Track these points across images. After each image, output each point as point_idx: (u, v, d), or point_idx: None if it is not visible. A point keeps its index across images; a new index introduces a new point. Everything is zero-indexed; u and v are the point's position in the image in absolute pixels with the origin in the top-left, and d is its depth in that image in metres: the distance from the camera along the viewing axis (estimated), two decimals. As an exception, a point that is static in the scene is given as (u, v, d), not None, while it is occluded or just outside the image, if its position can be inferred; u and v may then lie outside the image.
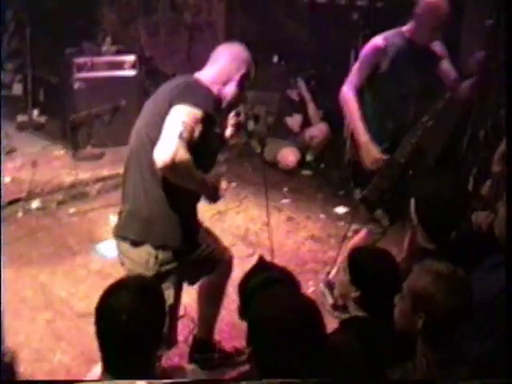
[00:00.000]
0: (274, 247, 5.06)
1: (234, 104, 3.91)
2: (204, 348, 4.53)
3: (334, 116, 5.42)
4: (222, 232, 5.71)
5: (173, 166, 3.34)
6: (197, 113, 3.46)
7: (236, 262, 4.48)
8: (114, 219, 5.54)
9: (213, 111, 3.58)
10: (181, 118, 3.41)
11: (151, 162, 3.46)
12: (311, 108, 8.22)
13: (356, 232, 5.47)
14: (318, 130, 8.08)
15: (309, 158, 8.11)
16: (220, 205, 4.61)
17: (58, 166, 7.49)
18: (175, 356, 4.51)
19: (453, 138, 6.84)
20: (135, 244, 3.70)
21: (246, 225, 6.67)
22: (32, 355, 4.64)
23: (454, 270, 2.91)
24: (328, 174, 7.82)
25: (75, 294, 5.37)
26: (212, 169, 3.82)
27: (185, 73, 3.96)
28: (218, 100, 3.72)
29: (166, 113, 3.47)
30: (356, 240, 5.28)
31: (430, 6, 4.59)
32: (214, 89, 3.71)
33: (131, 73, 8.07)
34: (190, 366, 4.38)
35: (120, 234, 3.82)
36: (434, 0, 4.59)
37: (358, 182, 5.09)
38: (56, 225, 6.50)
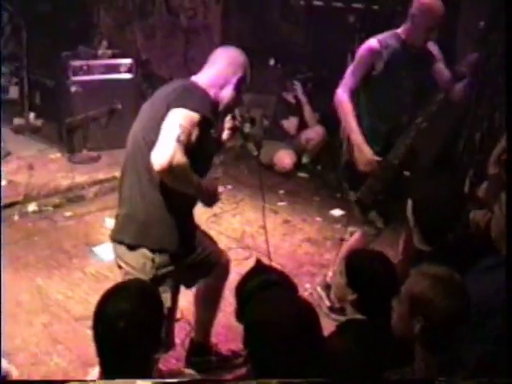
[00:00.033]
0: (271, 250, 5.07)
1: (230, 107, 3.92)
2: (201, 351, 4.53)
3: (331, 118, 5.43)
4: (218, 235, 5.73)
5: (170, 170, 3.35)
6: (194, 116, 3.47)
7: (232, 265, 4.48)
8: (110, 222, 5.55)
9: (210, 115, 3.58)
10: (178, 122, 3.41)
11: (148, 166, 3.47)
12: (307, 111, 8.22)
13: (352, 234, 5.47)
14: (315, 133, 8.08)
15: (305, 160, 8.12)
16: (216, 207, 4.62)
17: (54, 169, 7.48)
18: (172, 359, 4.51)
19: (449, 140, 6.85)
20: (132, 247, 3.71)
21: (242, 227, 6.66)
22: (29, 359, 4.64)
23: (451, 274, 2.91)
24: (324, 177, 7.83)
25: (72, 297, 5.37)
26: (208, 172, 3.83)
27: (181, 76, 3.98)
28: (214, 103, 3.73)
29: (163, 116, 3.47)
30: (351, 242, 5.29)
31: (425, 6, 4.61)
32: (211, 92, 3.72)
33: (127, 76, 8.07)
34: (187, 370, 4.38)
35: (117, 237, 3.82)
36: (428, 0, 4.61)
37: (352, 183, 5.09)
38: (52, 228, 6.49)
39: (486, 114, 6.27)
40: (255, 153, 4.72)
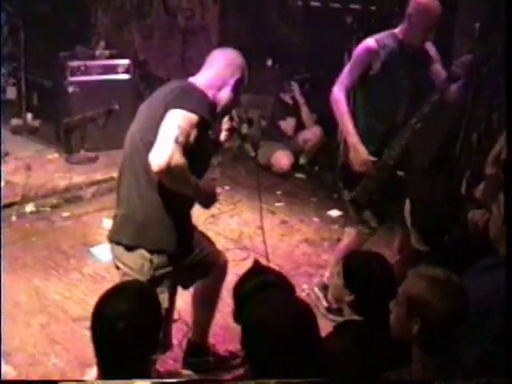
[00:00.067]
0: (268, 250, 5.08)
1: (228, 109, 3.92)
2: (198, 352, 4.53)
3: (328, 119, 5.43)
4: (215, 235, 5.74)
5: (168, 170, 3.35)
6: (192, 117, 3.47)
7: (230, 266, 4.48)
8: (108, 223, 5.57)
9: (208, 116, 3.58)
10: (176, 123, 3.42)
11: (146, 166, 3.47)
12: (305, 111, 8.23)
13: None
14: (312, 134, 8.09)
15: (302, 161, 8.12)
16: (214, 208, 4.62)
17: (51, 169, 7.48)
18: (169, 360, 4.51)
19: (446, 140, 6.86)
20: (130, 248, 3.70)
21: (239, 228, 6.67)
22: (26, 359, 4.63)
23: (449, 275, 2.90)
24: (322, 178, 7.83)
25: (69, 297, 5.37)
26: (205, 173, 3.83)
27: (178, 76, 3.99)
28: (212, 105, 3.73)
29: (161, 117, 3.47)
30: (345, 241, 5.30)
31: (422, 6, 4.61)
32: (209, 93, 3.71)
33: (125, 77, 8.07)
34: (185, 371, 4.38)
35: (114, 238, 3.82)
36: (425, 0, 4.61)
37: (347, 183, 5.10)
38: (50, 228, 6.49)
39: (483, 114, 6.27)
40: (253, 154, 4.74)
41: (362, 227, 5.13)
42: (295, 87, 8.26)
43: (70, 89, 7.72)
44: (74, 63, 7.82)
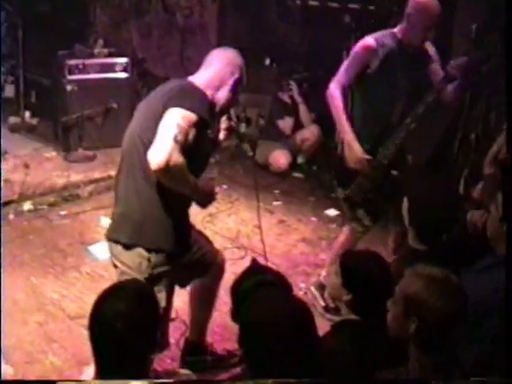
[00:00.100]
0: (266, 250, 5.07)
1: (226, 108, 3.93)
2: (196, 351, 4.53)
3: (326, 119, 5.43)
4: (213, 234, 5.74)
5: (167, 169, 3.35)
6: (191, 116, 3.47)
7: (227, 265, 4.49)
8: (105, 221, 5.56)
9: (207, 115, 3.59)
10: (176, 121, 3.42)
11: (144, 165, 3.48)
12: (303, 111, 8.23)
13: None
14: (310, 133, 8.09)
15: (300, 160, 8.13)
16: (211, 207, 4.62)
17: (49, 167, 7.49)
18: (167, 359, 4.51)
19: (444, 140, 6.87)
20: (128, 247, 3.71)
21: (237, 227, 6.67)
22: (24, 357, 4.63)
23: (447, 275, 2.91)
24: (319, 177, 7.83)
25: (67, 296, 5.37)
26: (203, 172, 3.84)
27: (177, 75, 3.99)
28: (211, 104, 3.73)
29: (160, 116, 3.48)
30: (340, 239, 5.31)
31: (421, 5, 4.62)
32: (208, 93, 3.72)
33: (123, 75, 8.08)
34: (182, 370, 4.38)
35: (112, 236, 3.82)
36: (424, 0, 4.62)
37: (342, 180, 5.11)
38: (48, 227, 6.48)
39: (481, 114, 6.28)
40: (250, 153, 4.74)
41: (356, 225, 5.15)
42: (293, 86, 8.26)
43: (69, 87, 7.71)
44: (73, 61, 7.82)
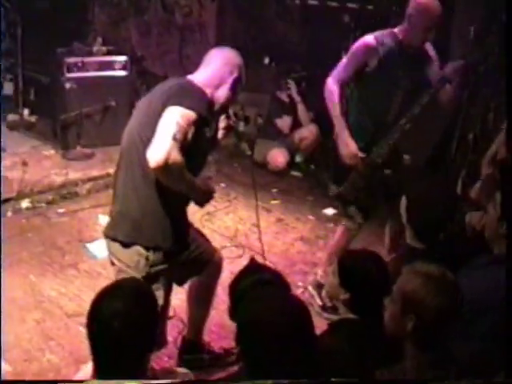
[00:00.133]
0: (264, 248, 5.08)
1: (225, 107, 3.93)
2: (193, 349, 4.54)
3: (325, 118, 5.43)
4: (211, 233, 5.74)
5: (165, 167, 3.36)
6: (190, 115, 3.48)
7: (225, 263, 4.49)
8: (103, 219, 5.56)
9: (206, 113, 3.59)
10: (175, 120, 3.43)
11: (143, 163, 3.48)
12: (301, 110, 8.23)
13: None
14: (308, 132, 8.09)
15: (298, 159, 8.13)
16: (209, 206, 4.62)
17: (48, 165, 7.48)
18: (164, 357, 4.52)
19: (442, 140, 6.87)
20: (125, 245, 3.71)
21: (235, 226, 6.67)
22: (21, 355, 4.63)
23: (443, 272, 2.91)
24: (318, 176, 7.82)
25: (65, 293, 5.36)
26: (202, 171, 3.84)
27: (175, 73, 3.99)
28: (210, 103, 3.74)
29: (159, 114, 3.48)
30: (335, 237, 5.33)
31: (422, 6, 4.62)
32: (207, 91, 3.72)
33: (122, 73, 8.07)
34: (180, 369, 4.38)
35: (110, 234, 3.83)
36: (425, 0, 4.62)
37: (335, 178, 5.13)
38: (46, 224, 6.48)
39: (479, 114, 6.29)
40: (249, 152, 4.75)
41: (348, 223, 5.17)
42: (292, 85, 8.26)
43: (67, 85, 7.70)
44: (71, 59, 7.81)
